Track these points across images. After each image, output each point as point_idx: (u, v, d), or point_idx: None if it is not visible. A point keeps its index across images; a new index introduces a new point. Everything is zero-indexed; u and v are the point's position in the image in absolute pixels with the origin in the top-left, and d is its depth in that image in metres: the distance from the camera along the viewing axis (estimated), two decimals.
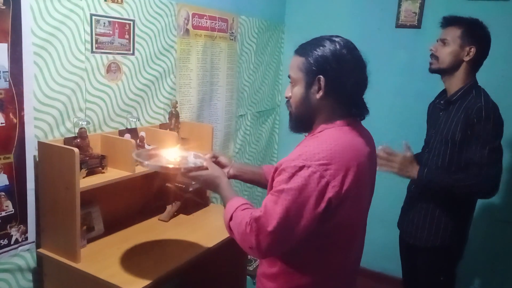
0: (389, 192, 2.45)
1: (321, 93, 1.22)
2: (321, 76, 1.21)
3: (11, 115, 1.63)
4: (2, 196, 1.65)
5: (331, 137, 1.21)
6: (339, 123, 1.25)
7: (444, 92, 2.02)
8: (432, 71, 1.97)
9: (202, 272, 2.35)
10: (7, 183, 1.66)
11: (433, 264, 2.00)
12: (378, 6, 3.09)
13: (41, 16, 1.68)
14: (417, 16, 2.98)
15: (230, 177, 1.55)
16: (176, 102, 2.30)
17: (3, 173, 1.64)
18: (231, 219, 1.26)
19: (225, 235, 2.04)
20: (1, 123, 1.60)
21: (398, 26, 3.05)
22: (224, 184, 1.38)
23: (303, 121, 1.30)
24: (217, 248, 1.98)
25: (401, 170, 1.89)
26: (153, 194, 2.27)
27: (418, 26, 2.97)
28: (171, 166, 1.47)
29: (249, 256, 2.63)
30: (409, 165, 1.90)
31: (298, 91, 1.27)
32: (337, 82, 1.21)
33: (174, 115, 2.29)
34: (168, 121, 2.30)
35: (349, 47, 1.23)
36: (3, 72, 1.58)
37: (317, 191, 1.11)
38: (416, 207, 2.02)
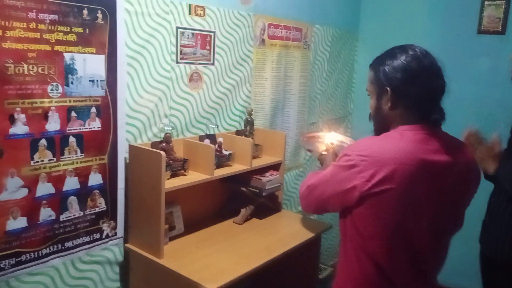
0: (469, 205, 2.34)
1: (389, 104, 1.28)
2: (387, 88, 1.27)
3: (106, 120, 1.80)
4: (97, 194, 1.82)
5: (382, 137, 1.28)
6: (402, 127, 1.27)
7: None
8: None
9: (272, 277, 2.39)
10: (101, 182, 1.83)
11: None
12: (458, 12, 2.97)
13: (134, 30, 1.84)
14: (501, 22, 2.83)
15: None
16: (251, 110, 2.38)
17: (98, 172, 1.80)
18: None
19: (297, 241, 2.08)
20: (98, 127, 1.77)
21: (480, 32, 2.91)
22: (326, 166, 1.64)
23: (380, 132, 1.35)
24: (289, 254, 2.02)
25: (480, 160, 1.80)
26: (229, 197, 2.37)
27: (502, 32, 2.83)
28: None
29: (320, 264, 2.64)
30: (490, 159, 1.81)
31: (372, 103, 1.36)
32: (404, 92, 1.25)
33: (249, 122, 2.38)
34: (243, 128, 2.39)
35: (418, 56, 1.25)
36: (101, 81, 1.75)
37: (346, 174, 1.22)
38: (498, 220, 1.91)
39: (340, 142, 1.84)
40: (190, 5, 2.04)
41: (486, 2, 2.87)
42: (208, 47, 2.18)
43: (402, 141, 1.23)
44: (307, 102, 3.01)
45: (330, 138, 1.89)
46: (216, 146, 2.08)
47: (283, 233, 2.20)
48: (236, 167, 2.14)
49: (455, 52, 2.92)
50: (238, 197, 2.34)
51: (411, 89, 1.24)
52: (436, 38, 3.01)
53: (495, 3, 2.85)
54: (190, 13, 2.05)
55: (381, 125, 1.35)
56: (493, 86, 2.87)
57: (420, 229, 1.26)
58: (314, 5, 2.87)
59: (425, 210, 1.25)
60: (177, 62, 2.04)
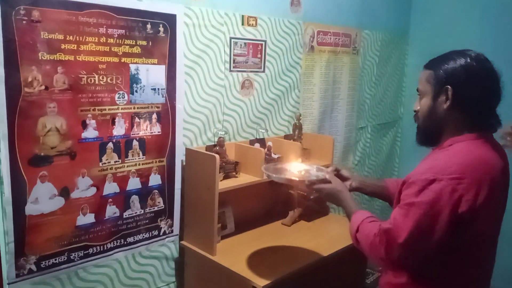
0: None
1: (448, 103, 1.24)
2: (448, 86, 1.23)
3: (166, 126, 1.93)
4: (156, 194, 1.96)
5: (463, 151, 1.21)
6: (470, 136, 1.24)
7: None
8: None
9: (319, 280, 2.42)
10: (160, 182, 1.97)
11: None
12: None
13: (191, 41, 1.97)
14: None
15: (352, 189, 1.60)
16: (300, 115, 2.45)
17: (158, 173, 1.95)
18: (357, 230, 1.31)
19: (344, 244, 2.12)
20: (158, 132, 1.91)
21: None
22: (347, 197, 1.45)
23: (430, 133, 1.32)
24: (336, 257, 2.06)
25: None
26: (278, 199, 2.45)
27: None
28: (296, 179, 1.61)
29: (367, 269, 2.65)
30: None
31: (425, 102, 1.29)
32: (465, 93, 1.22)
33: (297, 126, 2.45)
34: (292, 132, 2.47)
35: (480, 59, 1.23)
36: (161, 89, 1.89)
37: (450, 205, 1.12)
38: None
39: (307, 171, 1.68)
40: (243, 16, 2.15)
41: None
42: (259, 56, 2.27)
43: (482, 152, 1.21)
44: (356, 106, 3.03)
45: (296, 167, 1.73)
46: (266, 149, 2.17)
47: (330, 236, 2.25)
48: None
49: (510, 56, 2.83)
50: (286, 199, 2.41)
51: (473, 90, 1.21)
52: (490, 40, 2.93)
53: None
54: (243, 24, 2.16)
55: (432, 127, 1.30)
56: None
57: (494, 240, 1.31)
58: (363, 10, 2.89)
59: (498, 220, 1.29)
60: (230, 71, 2.15)
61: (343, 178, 1.61)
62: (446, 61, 1.25)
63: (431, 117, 1.29)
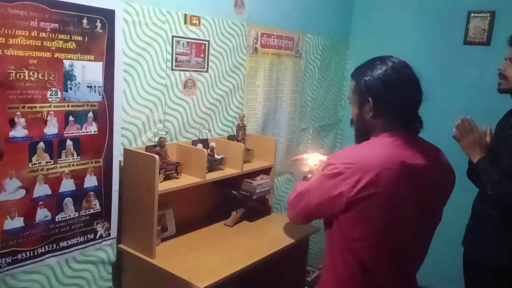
0: (454, 210, 2.40)
1: (371, 113, 1.36)
2: (369, 98, 1.35)
3: (102, 125, 1.86)
4: (92, 196, 1.88)
5: (365, 145, 1.37)
6: (384, 135, 1.35)
7: None
8: (501, 91, 1.94)
9: (261, 279, 2.45)
10: (96, 184, 1.89)
11: (498, 285, 1.95)
12: (445, 23, 3.08)
13: (131, 39, 1.91)
14: (486, 33, 2.94)
15: None
16: (244, 116, 2.46)
17: (94, 175, 1.87)
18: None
19: (285, 243, 2.15)
20: (94, 131, 1.84)
21: (466, 43, 3.02)
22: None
23: (362, 138, 1.44)
24: (278, 256, 2.09)
25: (468, 147, 1.89)
26: (220, 200, 2.43)
27: (487, 43, 2.94)
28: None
29: (308, 267, 2.71)
30: (477, 147, 1.87)
31: (354, 111, 1.44)
32: (385, 103, 1.33)
33: (241, 127, 2.45)
34: (236, 133, 2.47)
35: (398, 68, 1.33)
36: (98, 87, 1.82)
37: (333, 182, 1.29)
38: (482, 224, 1.97)
39: (323, 162, 1.89)
40: (185, 15, 2.12)
41: (472, 14, 2.98)
42: (202, 55, 2.25)
43: (383, 147, 1.32)
44: (298, 108, 3.09)
45: (313, 160, 1.97)
46: (209, 150, 2.15)
47: (272, 235, 2.27)
48: (227, 171, 2.21)
49: (443, 62, 3.02)
50: (229, 200, 2.41)
51: (393, 100, 1.32)
52: (425, 47, 3.12)
53: (480, 15, 2.96)
54: (185, 23, 2.13)
55: (363, 132, 1.43)
56: (480, 95, 2.96)
57: (403, 229, 1.34)
58: (306, 15, 2.96)
59: (408, 212, 1.33)
60: (172, 70, 2.11)
61: None
62: (367, 71, 1.36)
63: (359, 124, 1.44)
